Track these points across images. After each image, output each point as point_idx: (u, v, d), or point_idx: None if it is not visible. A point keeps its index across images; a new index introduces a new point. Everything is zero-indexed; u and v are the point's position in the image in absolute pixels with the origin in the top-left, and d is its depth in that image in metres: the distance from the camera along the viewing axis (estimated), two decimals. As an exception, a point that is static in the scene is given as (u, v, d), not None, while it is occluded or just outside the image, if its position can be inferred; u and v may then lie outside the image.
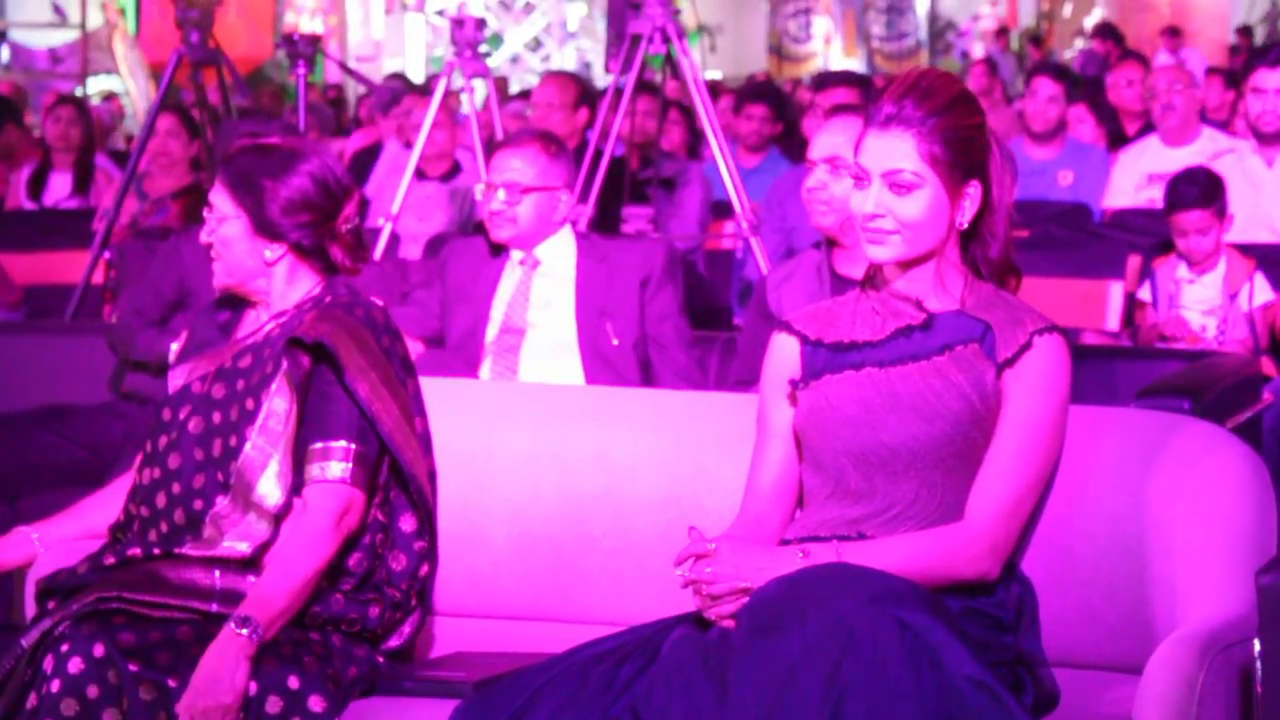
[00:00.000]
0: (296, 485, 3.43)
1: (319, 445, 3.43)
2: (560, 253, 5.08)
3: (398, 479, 3.52)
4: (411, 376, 3.57)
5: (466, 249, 5.22)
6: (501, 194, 5.00)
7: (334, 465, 3.42)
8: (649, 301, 5.06)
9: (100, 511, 3.65)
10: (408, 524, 3.54)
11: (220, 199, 3.56)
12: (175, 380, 3.58)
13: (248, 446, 3.44)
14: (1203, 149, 7.68)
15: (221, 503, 3.44)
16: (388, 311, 3.58)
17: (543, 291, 5.06)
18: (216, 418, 3.48)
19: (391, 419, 3.46)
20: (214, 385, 3.52)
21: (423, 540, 3.54)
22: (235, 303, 3.65)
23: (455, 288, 5.14)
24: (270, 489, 3.43)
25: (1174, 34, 19.25)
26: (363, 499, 3.45)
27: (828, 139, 4.39)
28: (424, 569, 3.54)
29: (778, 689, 2.91)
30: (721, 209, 7.73)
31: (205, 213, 3.59)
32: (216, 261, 3.58)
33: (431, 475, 3.57)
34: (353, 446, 3.43)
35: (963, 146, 3.25)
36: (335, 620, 3.42)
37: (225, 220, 3.55)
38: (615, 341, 4.99)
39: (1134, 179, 7.89)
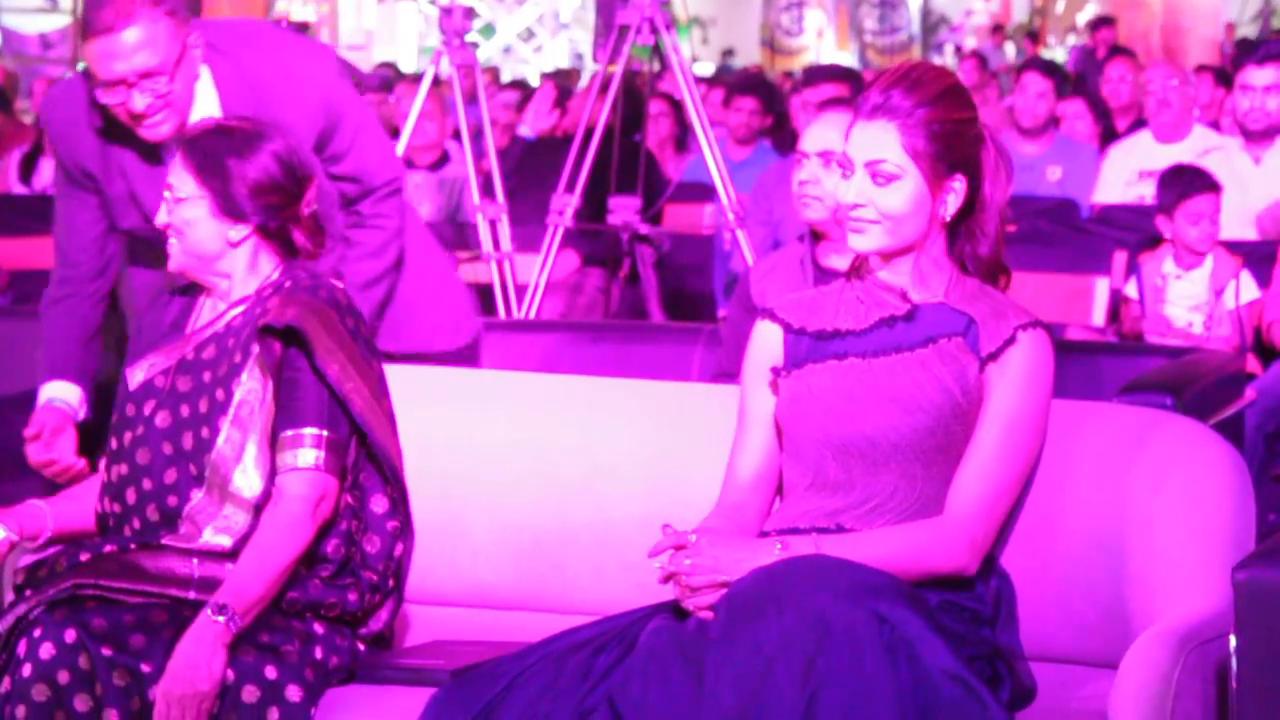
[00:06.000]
0: (271, 473, 3.41)
1: (289, 433, 3.40)
2: None
3: (367, 459, 3.50)
4: (376, 358, 3.54)
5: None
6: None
7: (306, 452, 3.39)
8: None
9: (91, 497, 3.59)
10: (379, 505, 3.51)
11: (181, 179, 3.49)
12: (134, 376, 3.53)
13: (220, 439, 3.41)
14: (1194, 146, 7.67)
15: (197, 497, 3.41)
16: (349, 293, 3.56)
17: None
18: (184, 411, 3.45)
19: (362, 399, 3.43)
20: (178, 378, 3.48)
21: (395, 520, 3.51)
22: (187, 290, 3.60)
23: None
24: (246, 480, 3.40)
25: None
26: (336, 485, 3.42)
27: (820, 132, 4.38)
28: (399, 549, 3.51)
29: (755, 680, 2.91)
30: (704, 192, 7.70)
31: (164, 194, 3.53)
32: (175, 243, 3.51)
33: (399, 455, 3.54)
34: (324, 433, 3.41)
35: (948, 140, 3.24)
36: (314, 605, 3.39)
37: (186, 201, 3.48)
38: None
39: (1124, 175, 7.88)
